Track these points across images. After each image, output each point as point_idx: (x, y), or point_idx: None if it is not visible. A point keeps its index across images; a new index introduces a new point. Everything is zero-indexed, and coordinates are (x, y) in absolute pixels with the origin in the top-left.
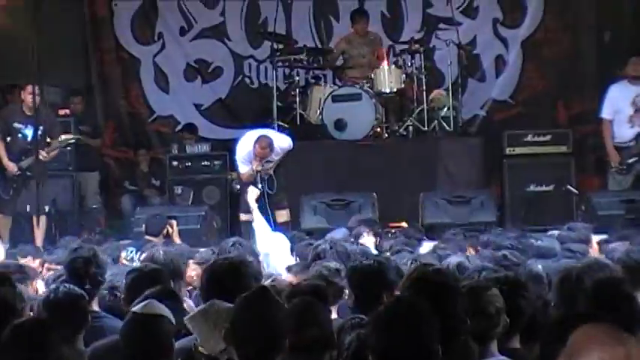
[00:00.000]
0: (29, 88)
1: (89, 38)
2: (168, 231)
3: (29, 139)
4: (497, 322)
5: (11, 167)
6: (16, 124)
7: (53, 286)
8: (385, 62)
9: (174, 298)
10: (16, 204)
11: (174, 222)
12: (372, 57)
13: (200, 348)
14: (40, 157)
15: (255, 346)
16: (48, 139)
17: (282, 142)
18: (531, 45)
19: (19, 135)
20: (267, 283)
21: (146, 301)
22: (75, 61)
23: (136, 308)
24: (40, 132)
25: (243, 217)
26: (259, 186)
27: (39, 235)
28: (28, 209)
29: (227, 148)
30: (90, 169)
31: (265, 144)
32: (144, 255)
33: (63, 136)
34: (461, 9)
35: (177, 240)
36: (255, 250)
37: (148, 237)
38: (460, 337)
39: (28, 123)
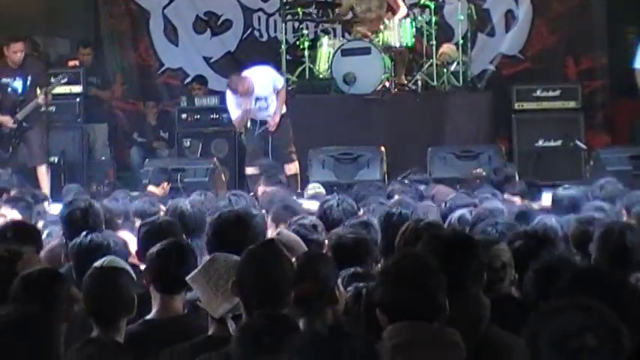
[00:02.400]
0: (14, 46)
1: None
2: (164, 186)
3: (20, 91)
4: (502, 276)
5: (7, 120)
6: (3, 80)
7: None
8: (403, 8)
9: (186, 252)
10: (18, 158)
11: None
12: (380, 11)
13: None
14: (40, 100)
15: (260, 298)
16: (37, 89)
17: (274, 77)
18: (541, 0)
19: (9, 89)
20: (272, 235)
21: (107, 257)
22: (84, 13)
23: (96, 263)
24: (28, 82)
25: (249, 170)
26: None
27: (44, 185)
28: (29, 161)
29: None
30: (99, 120)
31: (240, 79)
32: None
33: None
34: None
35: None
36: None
37: (150, 188)
38: (473, 291)
39: (15, 76)
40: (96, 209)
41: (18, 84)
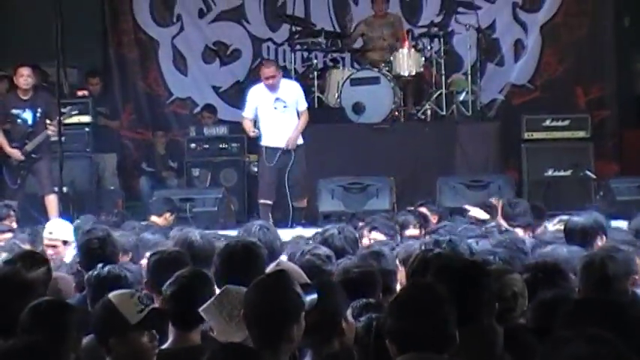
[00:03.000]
0: (22, 70)
1: (107, 20)
2: (166, 217)
3: (29, 122)
4: (512, 305)
5: (16, 153)
6: (13, 111)
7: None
8: (406, 44)
9: (206, 280)
10: (25, 189)
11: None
12: (391, 39)
13: (212, 334)
14: (49, 132)
15: (266, 329)
16: (47, 121)
17: (300, 96)
18: (550, 29)
19: (19, 120)
20: (272, 266)
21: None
22: (93, 43)
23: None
24: (38, 114)
25: (262, 200)
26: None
27: (53, 214)
28: (39, 190)
29: (245, 130)
30: (108, 150)
31: (270, 63)
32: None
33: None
34: None
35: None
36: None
37: (152, 218)
38: (484, 322)
39: (25, 107)
40: (113, 239)
41: (28, 115)
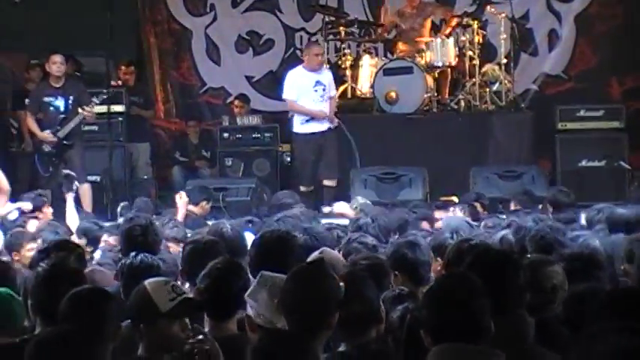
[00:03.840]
0: (54, 58)
1: (141, 10)
2: (203, 205)
3: (62, 109)
4: (552, 297)
5: (48, 136)
6: (45, 99)
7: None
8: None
9: (240, 270)
10: (58, 177)
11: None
12: (424, 30)
13: (258, 320)
14: (85, 114)
15: (304, 318)
16: (79, 109)
17: (332, 82)
18: (584, 19)
19: (51, 108)
20: (315, 254)
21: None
22: (127, 33)
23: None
24: (70, 102)
25: (304, 189)
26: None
27: (86, 204)
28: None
29: (277, 120)
30: (141, 139)
31: (317, 43)
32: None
33: (95, 99)
34: None
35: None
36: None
37: (190, 207)
38: (516, 312)
39: (57, 94)
40: (155, 227)
41: (60, 103)
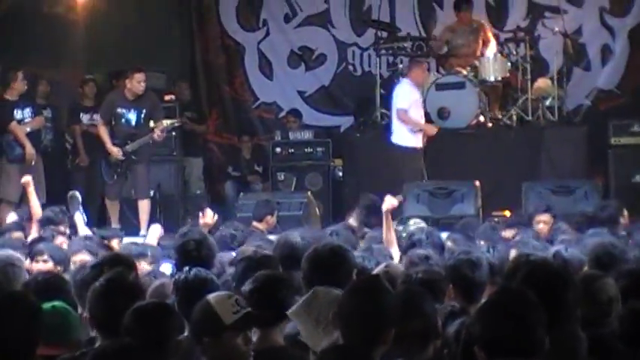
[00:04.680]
0: (138, 75)
1: (194, 25)
2: (268, 220)
3: (133, 123)
4: (607, 310)
5: (116, 152)
6: (119, 110)
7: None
8: (493, 42)
9: (286, 280)
10: (122, 188)
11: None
12: (476, 45)
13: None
14: (155, 136)
15: (362, 332)
16: (151, 123)
17: None
18: (638, 34)
19: (123, 120)
20: (379, 269)
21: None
22: (180, 48)
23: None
24: (143, 115)
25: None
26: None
27: (143, 219)
28: (133, 194)
29: (330, 134)
30: (194, 154)
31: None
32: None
33: (168, 120)
34: None
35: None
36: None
37: (254, 223)
38: (568, 327)
39: (130, 108)
40: (209, 241)
41: (132, 116)
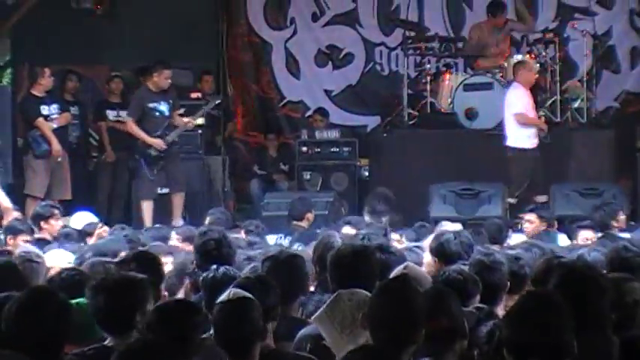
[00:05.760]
0: (166, 72)
1: (222, 23)
2: (308, 217)
3: (166, 113)
4: (633, 314)
5: (159, 143)
6: (150, 104)
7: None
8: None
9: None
10: (158, 184)
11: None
12: (504, 46)
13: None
14: (190, 123)
15: (393, 333)
16: (182, 119)
17: None
18: None
19: (157, 113)
20: (399, 269)
21: (231, 290)
22: (207, 45)
23: (222, 297)
24: (171, 105)
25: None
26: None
27: (176, 214)
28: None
29: (356, 134)
30: (217, 152)
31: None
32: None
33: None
34: None
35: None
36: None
37: (294, 222)
38: (602, 331)
39: (160, 100)
40: (229, 240)
41: (164, 107)
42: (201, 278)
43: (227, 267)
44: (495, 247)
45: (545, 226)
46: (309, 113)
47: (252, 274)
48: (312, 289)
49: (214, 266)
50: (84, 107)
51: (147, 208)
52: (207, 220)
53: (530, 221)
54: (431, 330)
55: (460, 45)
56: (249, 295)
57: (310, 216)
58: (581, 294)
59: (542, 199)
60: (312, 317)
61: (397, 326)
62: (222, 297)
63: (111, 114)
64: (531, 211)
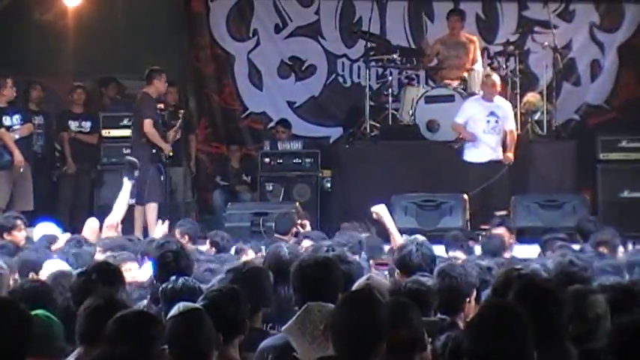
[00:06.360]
0: (165, 76)
1: (185, 35)
2: (297, 231)
3: (160, 121)
4: (595, 327)
5: (168, 148)
6: (157, 111)
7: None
8: (479, 63)
9: (236, 296)
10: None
11: (307, 222)
12: (466, 58)
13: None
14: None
15: (355, 344)
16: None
17: (510, 113)
18: (628, 50)
19: (160, 122)
20: (361, 281)
21: (180, 303)
22: (170, 57)
23: (172, 312)
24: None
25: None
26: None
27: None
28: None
29: (319, 145)
30: (178, 164)
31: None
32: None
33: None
34: (557, 12)
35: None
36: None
37: (277, 235)
38: (560, 342)
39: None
40: (187, 252)
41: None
42: (160, 289)
43: (186, 278)
44: (462, 257)
45: (514, 238)
46: (271, 124)
47: (223, 287)
48: None
49: (173, 277)
50: (49, 117)
51: (153, 210)
52: (176, 232)
53: (500, 234)
54: (391, 342)
55: (422, 57)
56: (200, 307)
57: (301, 229)
58: (540, 305)
59: (501, 213)
60: (283, 328)
61: (360, 338)
62: (173, 311)
63: (73, 125)
64: (500, 224)
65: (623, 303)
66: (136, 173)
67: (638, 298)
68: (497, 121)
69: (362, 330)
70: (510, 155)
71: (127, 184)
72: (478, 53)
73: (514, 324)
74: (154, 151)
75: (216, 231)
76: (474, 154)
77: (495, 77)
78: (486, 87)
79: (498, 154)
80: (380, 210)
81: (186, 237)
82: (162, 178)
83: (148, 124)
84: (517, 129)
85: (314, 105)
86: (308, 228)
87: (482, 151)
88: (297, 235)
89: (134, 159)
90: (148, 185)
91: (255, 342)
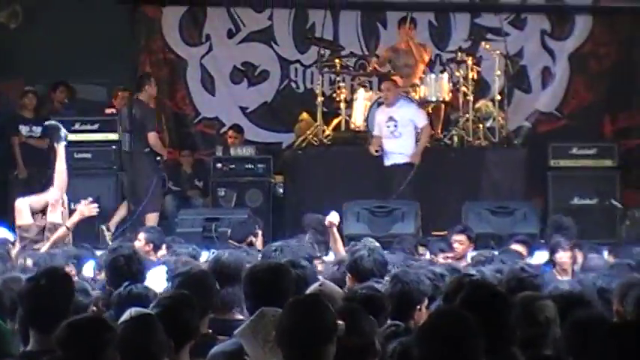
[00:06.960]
0: (154, 80)
1: (137, 38)
2: (252, 241)
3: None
4: (545, 331)
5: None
6: None
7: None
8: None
9: (189, 302)
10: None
11: (259, 232)
12: (417, 67)
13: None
14: None
15: (301, 350)
16: None
17: (417, 114)
18: (579, 58)
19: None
20: (314, 286)
21: (132, 309)
22: (122, 62)
23: (123, 318)
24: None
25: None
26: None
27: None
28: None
29: (271, 151)
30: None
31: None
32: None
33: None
34: (509, 20)
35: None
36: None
37: (231, 242)
38: (509, 348)
39: None
40: (139, 256)
41: None
42: (111, 297)
43: (136, 284)
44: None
45: (473, 246)
46: (224, 130)
47: (175, 293)
48: None
49: (125, 283)
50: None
51: (154, 221)
52: (141, 236)
53: (461, 242)
54: (342, 348)
55: (374, 64)
56: (151, 312)
57: (254, 240)
58: (488, 309)
59: (439, 233)
60: (235, 332)
61: (305, 343)
62: (124, 317)
63: (24, 129)
64: (461, 232)
65: (573, 311)
66: (63, 133)
67: (589, 307)
68: (395, 126)
69: (306, 334)
70: (416, 156)
71: (61, 147)
72: (426, 59)
73: (462, 332)
74: (157, 158)
75: (173, 237)
76: (386, 160)
77: (387, 83)
78: (382, 93)
79: (405, 158)
80: (335, 219)
81: (151, 245)
82: (162, 188)
83: (153, 137)
84: (434, 127)
85: (267, 110)
86: (260, 240)
87: (388, 156)
88: (250, 244)
89: (52, 122)
90: (149, 195)
91: (204, 347)
